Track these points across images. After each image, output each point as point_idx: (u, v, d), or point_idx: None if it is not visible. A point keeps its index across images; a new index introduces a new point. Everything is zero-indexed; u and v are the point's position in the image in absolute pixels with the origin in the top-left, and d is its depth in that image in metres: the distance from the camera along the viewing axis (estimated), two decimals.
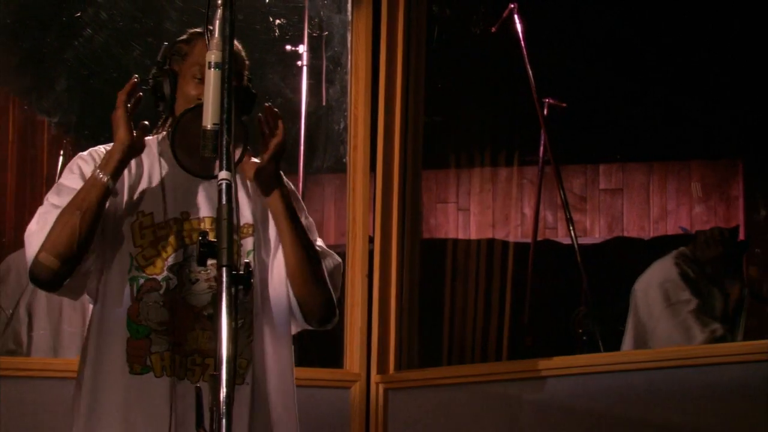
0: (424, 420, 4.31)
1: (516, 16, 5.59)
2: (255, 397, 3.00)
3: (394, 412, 4.32)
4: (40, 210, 2.98)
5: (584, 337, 5.74)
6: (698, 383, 3.72)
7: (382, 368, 4.38)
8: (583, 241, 7.01)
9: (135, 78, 3.00)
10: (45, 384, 4.01)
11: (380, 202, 4.45)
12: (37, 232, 2.92)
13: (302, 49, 4.87)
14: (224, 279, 2.31)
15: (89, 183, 2.92)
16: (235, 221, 2.83)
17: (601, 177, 7.75)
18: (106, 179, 2.90)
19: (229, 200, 2.38)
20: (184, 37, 3.10)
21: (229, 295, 2.30)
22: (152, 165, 3.07)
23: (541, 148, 6.05)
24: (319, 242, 3.16)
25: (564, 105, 6.12)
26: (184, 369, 2.93)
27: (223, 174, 2.40)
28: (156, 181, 3.06)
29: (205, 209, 3.03)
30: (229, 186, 2.39)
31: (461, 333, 6.12)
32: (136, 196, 3.03)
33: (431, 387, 4.33)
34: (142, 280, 2.97)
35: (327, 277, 3.09)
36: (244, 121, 2.99)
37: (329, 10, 4.72)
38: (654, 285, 5.15)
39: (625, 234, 7.61)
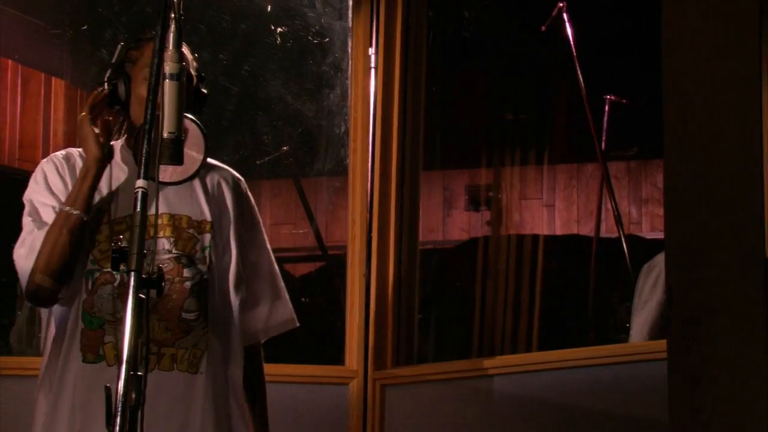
0: (420, 415, 4.40)
1: (565, 15, 5.66)
2: (209, 387, 3.14)
3: (390, 407, 4.42)
4: (24, 233, 3.15)
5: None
6: (662, 377, 3.75)
7: (380, 365, 4.48)
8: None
9: (100, 89, 3.18)
10: None
11: (377, 204, 4.55)
12: (27, 255, 3.10)
13: (371, 51, 4.96)
14: (132, 283, 2.43)
15: (62, 218, 3.09)
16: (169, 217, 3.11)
17: None
18: (77, 212, 3.08)
19: (143, 208, 2.50)
20: (133, 44, 3.24)
21: (135, 298, 2.41)
22: (113, 171, 3.21)
23: (603, 145, 6.07)
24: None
25: (625, 101, 6.14)
26: (139, 357, 3.09)
27: (140, 182, 2.52)
28: (116, 185, 3.20)
29: (161, 206, 3.15)
30: (144, 194, 2.52)
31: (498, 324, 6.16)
32: (95, 199, 3.17)
33: (427, 383, 4.42)
34: (97, 274, 3.12)
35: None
36: (197, 121, 3.13)
37: (330, 17, 4.80)
38: (660, 281, 5.10)
39: None
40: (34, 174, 3.23)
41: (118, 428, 2.32)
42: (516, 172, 7.02)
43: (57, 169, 3.21)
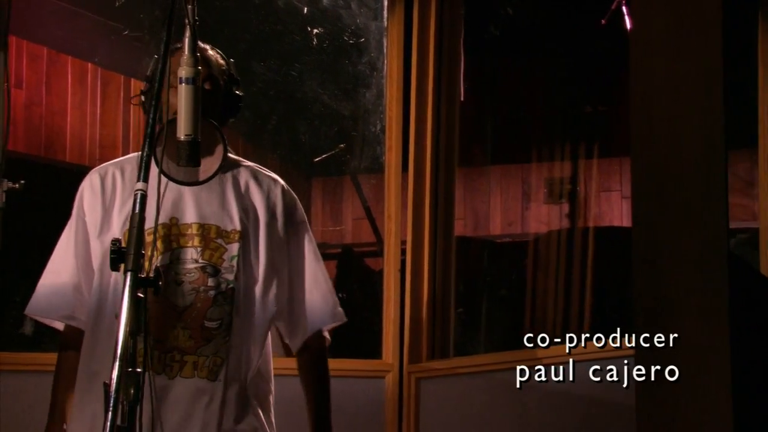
0: (454, 407, 4.45)
1: (624, 8, 5.64)
2: (228, 395, 3.19)
3: (426, 400, 4.48)
4: (53, 257, 3.33)
5: None
6: None
7: (415, 358, 4.54)
8: (748, 225, 6.97)
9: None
10: (44, 378, 4.10)
11: (412, 200, 4.61)
12: (45, 273, 3.31)
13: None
14: (128, 282, 2.50)
15: None
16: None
17: None
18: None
19: (141, 210, 2.58)
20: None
21: (131, 297, 2.49)
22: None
23: None
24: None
25: None
26: (162, 364, 3.14)
27: (139, 185, 2.60)
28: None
29: (192, 215, 3.23)
30: (143, 196, 2.61)
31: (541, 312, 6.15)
32: (129, 207, 3.21)
33: (462, 375, 4.47)
34: None
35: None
36: (215, 123, 3.17)
37: (366, 18, 4.86)
38: None
39: None
40: (77, 197, 3.35)
41: (109, 423, 2.40)
42: (594, 164, 7.00)
43: (93, 190, 3.32)
